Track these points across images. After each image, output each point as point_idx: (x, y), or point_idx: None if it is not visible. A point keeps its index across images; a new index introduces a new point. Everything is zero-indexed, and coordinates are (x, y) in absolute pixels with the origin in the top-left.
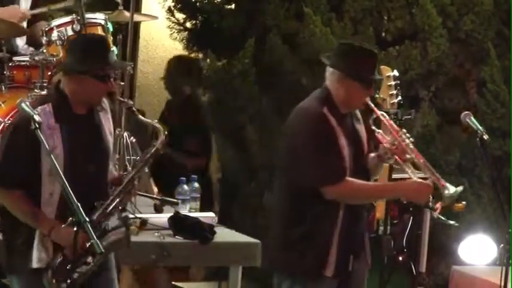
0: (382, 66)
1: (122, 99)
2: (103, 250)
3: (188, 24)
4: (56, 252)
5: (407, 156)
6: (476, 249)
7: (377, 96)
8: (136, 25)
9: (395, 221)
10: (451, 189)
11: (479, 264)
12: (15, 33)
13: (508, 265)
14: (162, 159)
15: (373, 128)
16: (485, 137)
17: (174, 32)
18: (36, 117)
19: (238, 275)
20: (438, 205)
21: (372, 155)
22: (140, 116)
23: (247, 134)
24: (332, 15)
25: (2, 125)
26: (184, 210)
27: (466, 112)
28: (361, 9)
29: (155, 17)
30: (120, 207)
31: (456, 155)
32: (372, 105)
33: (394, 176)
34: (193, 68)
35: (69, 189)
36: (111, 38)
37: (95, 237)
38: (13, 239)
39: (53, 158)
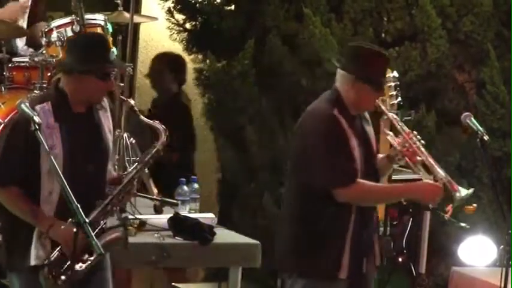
0: None
1: (124, 99)
2: (103, 251)
3: (188, 25)
4: (54, 250)
5: (418, 158)
6: (476, 251)
7: None
8: (136, 26)
9: (395, 222)
10: (462, 192)
11: (479, 266)
12: (14, 34)
13: (508, 266)
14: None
15: (384, 130)
16: (486, 138)
17: (173, 33)
18: (36, 119)
19: (238, 276)
20: (449, 208)
21: (381, 156)
22: (142, 117)
23: (246, 135)
24: (332, 16)
25: (1, 126)
26: (184, 211)
27: (466, 113)
28: (361, 10)
29: (155, 18)
30: (119, 208)
31: (456, 156)
32: (383, 107)
33: (394, 177)
34: (178, 65)
35: (69, 189)
36: (111, 38)
37: (94, 239)
38: (12, 238)
39: (52, 158)
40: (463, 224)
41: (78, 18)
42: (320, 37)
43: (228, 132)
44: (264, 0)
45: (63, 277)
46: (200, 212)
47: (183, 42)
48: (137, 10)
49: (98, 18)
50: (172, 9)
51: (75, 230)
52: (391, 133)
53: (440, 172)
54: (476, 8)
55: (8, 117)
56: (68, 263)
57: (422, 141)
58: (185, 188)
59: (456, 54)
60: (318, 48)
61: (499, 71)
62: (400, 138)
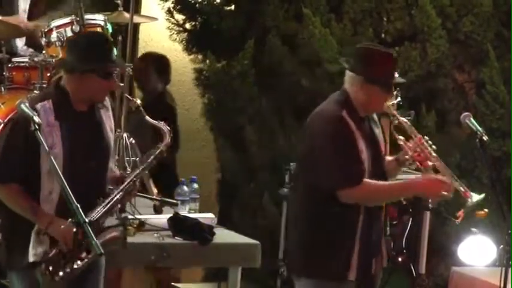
0: None
1: (130, 98)
2: (103, 251)
3: (188, 26)
4: (52, 246)
5: (430, 163)
6: (475, 250)
7: None
8: (136, 26)
9: (394, 222)
10: (474, 198)
11: (478, 265)
12: (14, 34)
13: (508, 266)
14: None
15: (396, 134)
16: (485, 138)
17: (173, 33)
18: (36, 119)
19: (237, 276)
20: (461, 213)
21: (390, 158)
22: (147, 117)
23: (246, 135)
24: (331, 16)
25: (1, 126)
26: (184, 211)
27: (466, 113)
28: (361, 10)
29: (155, 18)
30: (119, 207)
31: (456, 156)
32: (394, 111)
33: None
34: (163, 65)
35: (69, 189)
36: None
37: (94, 239)
38: (12, 237)
39: (52, 158)
40: (473, 230)
41: (78, 19)
42: (320, 37)
43: (227, 132)
44: (263, 0)
45: (60, 273)
46: (200, 212)
47: (183, 42)
48: (137, 10)
49: (98, 18)
50: (172, 10)
51: (74, 230)
52: (403, 138)
53: (453, 177)
54: (476, 8)
55: (8, 117)
56: (65, 260)
57: (434, 146)
58: (185, 188)
59: (456, 54)
60: (318, 48)
61: (499, 71)
62: (411, 142)
